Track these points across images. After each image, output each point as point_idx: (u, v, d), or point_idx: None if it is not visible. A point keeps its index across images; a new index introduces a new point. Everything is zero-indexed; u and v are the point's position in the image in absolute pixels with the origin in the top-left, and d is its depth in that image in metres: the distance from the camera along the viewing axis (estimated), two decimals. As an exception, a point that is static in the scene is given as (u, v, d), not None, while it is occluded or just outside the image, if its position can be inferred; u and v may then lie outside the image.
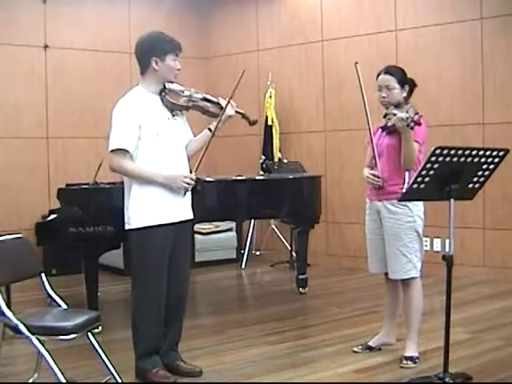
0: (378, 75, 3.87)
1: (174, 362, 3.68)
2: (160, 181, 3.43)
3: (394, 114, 3.63)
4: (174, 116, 3.56)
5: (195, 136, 3.72)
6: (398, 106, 3.77)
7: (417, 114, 3.61)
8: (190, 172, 3.60)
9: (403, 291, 3.87)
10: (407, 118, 3.54)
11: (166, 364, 3.63)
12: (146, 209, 3.45)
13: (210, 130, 3.63)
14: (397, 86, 3.80)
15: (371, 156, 3.93)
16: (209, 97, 3.65)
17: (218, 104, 3.63)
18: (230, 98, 3.60)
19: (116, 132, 3.40)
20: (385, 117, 3.80)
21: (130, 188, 3.47)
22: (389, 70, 3.85)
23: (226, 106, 3.59)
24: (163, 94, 3.51)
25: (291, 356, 4.03)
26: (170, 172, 3.47)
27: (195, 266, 7.30)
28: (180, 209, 3.57)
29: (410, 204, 3.73)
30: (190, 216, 3.68)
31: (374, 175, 3.78)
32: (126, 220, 3.52)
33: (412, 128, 3.57)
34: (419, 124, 3.56)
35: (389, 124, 3.71)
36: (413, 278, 3.78)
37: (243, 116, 3.80)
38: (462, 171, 3.18)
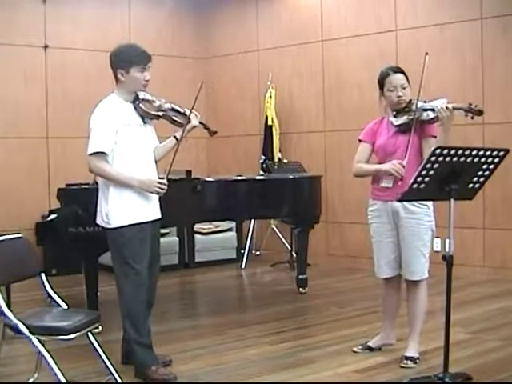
0: (387, 75, 3.77)
1: None
2: (135, 184, 3.56)
3: (429, 109, 3.58)
4: (145, 123, 3.71)
5: (160, 143, 3.87)
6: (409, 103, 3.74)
7: (471, 104, 3.54)
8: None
9: (410, 291, 3.82)
10: (465, 108, 3.48)
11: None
12: (124, 209, 3.56)
13: (175, 137, 3.79)
14: (408, 84, 3.77)
15: (368, 154, 3.88)
16: (176, 107, 3.82)
17: (184, 114, 3.80)
18: (192, 109, 3.75)
19: (94, 136, 3.53)
20: (401, 114, 3.73)
21: (108, 189, 3.58)
22: (400, 70, 3.80)
23: (189, 116, 3.75)
24: (137, 102, 3.67)
25: (291, 356, 4.02)
26: (143, 176, 3.60)
27: (195, 265, 7.32)
28: (153, 208, 3.70)
29: (429, 203, 3.70)
30: (160, 215, 3.78)
31: (401, 164, 3.60)
32: (103, 219, 3.62)
33: (472, 118, 3.52)
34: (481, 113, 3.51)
35: (428, 117, 3.62)
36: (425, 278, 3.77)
37: (205, 126, 3.97)
38: (462, 171, 3.18)
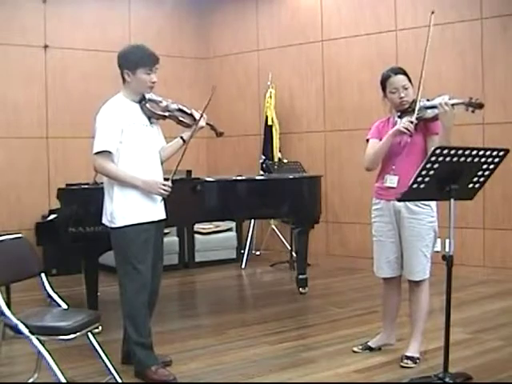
0: (388, 77, 3.76)
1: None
2: (139, 185, 3.55)
3: (432, 106, 3.58)
4: (151, 124, 3.72)
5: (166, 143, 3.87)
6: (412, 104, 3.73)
7: (471, 98, 3.55)
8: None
9: (412, 292, 3.81)
10: (465, 102, 3.50)
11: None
12: (128, 208, 3.56)
13: (182, 138, 3.80)
14: (410, 84, 3.76)
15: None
16: (183, 108, 3.82)
17: (191, 115, 3.82)
18: (203, 112, 3.77)
19: (100, 135, 3.54)
20: (405, 114, 3.72)
21: (112, 189, 3.59)
22: (402, 71, 3.79)
23: (200, 118, 3.76)
24: (143, 102, 3.68)
25: (291, 356, 4.03)
26: (148, 176, 3.59)
27: (195, 265, 7.32)
28: (158, 208, 3.69)
29: (432, 203, 3.69)
30: (164, 216, 3.78)
31: (409, 121, 3.61)
32: (107, 219, 3.62)
33: (473, 112, 3.53)
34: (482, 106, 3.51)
35: (432, 115, 3.62)
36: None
37: (212, 127, 3.98)
38: (462, 171, 3.18)
